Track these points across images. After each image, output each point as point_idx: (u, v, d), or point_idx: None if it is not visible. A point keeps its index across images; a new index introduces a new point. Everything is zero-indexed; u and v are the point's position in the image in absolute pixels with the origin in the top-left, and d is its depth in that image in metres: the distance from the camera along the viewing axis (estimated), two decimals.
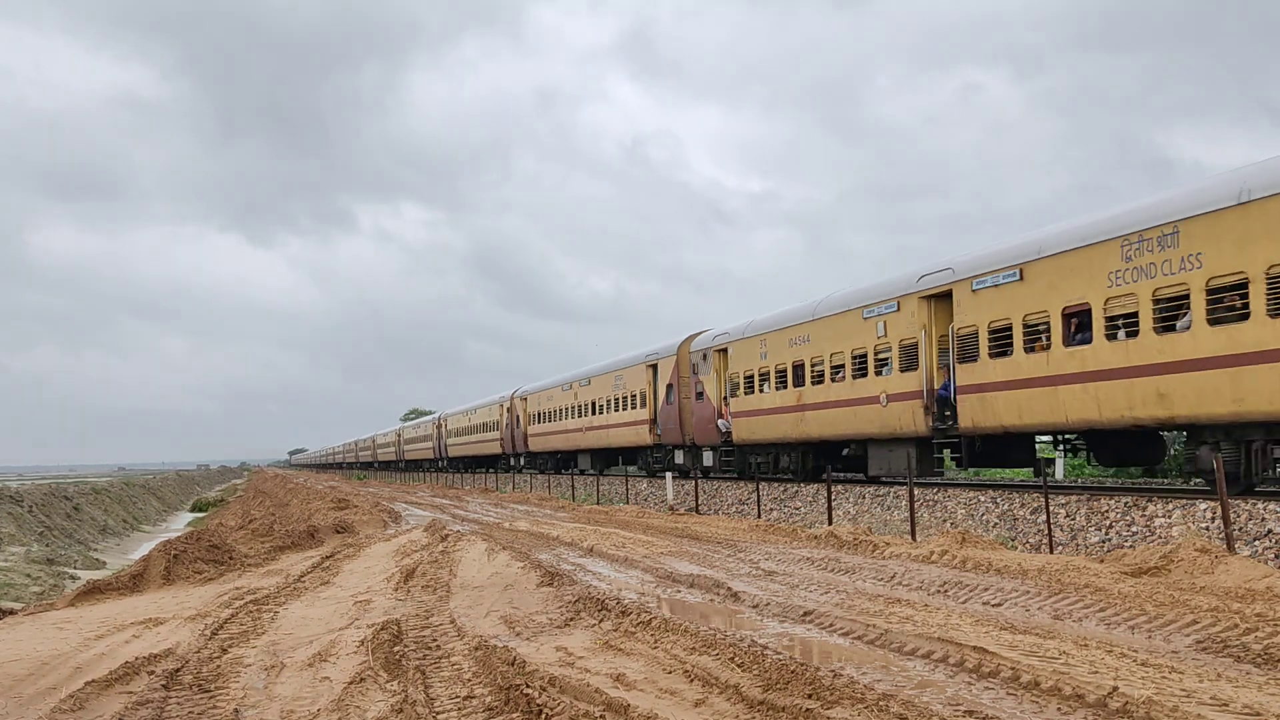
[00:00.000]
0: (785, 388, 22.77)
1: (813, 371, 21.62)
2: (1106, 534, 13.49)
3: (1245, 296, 11.93)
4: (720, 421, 26.65)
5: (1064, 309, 14.68)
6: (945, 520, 16.73)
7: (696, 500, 24.32)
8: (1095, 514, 13.95)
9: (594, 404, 37.08)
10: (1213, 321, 12.33)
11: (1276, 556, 11.10)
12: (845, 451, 22.31)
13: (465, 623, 9.22)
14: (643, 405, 32.24)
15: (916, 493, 17.22)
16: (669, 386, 30.19)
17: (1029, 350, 15.36)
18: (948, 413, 17.45)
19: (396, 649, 8.18)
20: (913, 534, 15.28)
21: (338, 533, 21.44)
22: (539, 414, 44.57)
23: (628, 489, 29.78)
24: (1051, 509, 14.36)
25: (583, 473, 38.95)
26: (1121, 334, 13.73)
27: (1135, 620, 8.10)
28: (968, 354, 16.77)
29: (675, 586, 11.15)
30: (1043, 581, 10.03)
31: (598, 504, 28.66)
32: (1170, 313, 13.00)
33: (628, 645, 7.89)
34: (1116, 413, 13.83)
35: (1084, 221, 14.72)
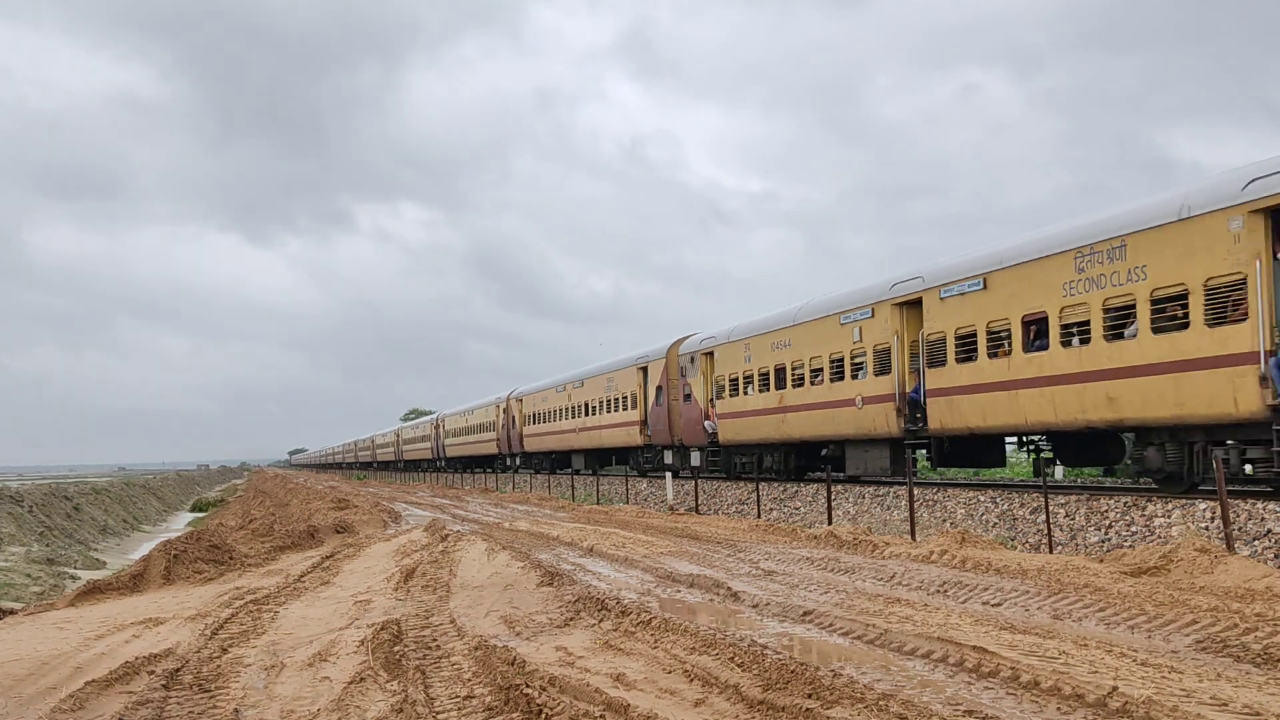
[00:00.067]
0: (768, 390, 23.27)
1: (794, 375, 22.18)
2: (1106, 534, 13.53)
3: (1186, 307, 12.56)
4: (707, 423, 26.91)
5: (1024, 317, 15.32)
6: (945, 520, 16.76)
7: (696, 500, 24.33)
8: (1095, 514, 13.98)
9: (587, 405, 37.35)
10: (1156, 330, 12.94)
11: (1276, 556, 11.11)
12: (824, 452, 22.81)
13: (465, 623, 9.22)
14: (633, 407, 32.46)
15: (916, 492, 17.27)
16: (659, 389, 30.50)
17: (992, 356, 16.01)
18: (919, 415, 18.02)
19: (396, 649, 8.18)
20: (912, 534, 15.30)
21: (338, 533, 21.44)
22: (534, 415, 44.76)
23: (627, 489, 29.79)
24: (1051, 509, 14.41)
25: (578, 473, 39.07)
26: (1075, 341, 14.32)
27: (1135, 620, 8.10)
28: (936, 359, 17.39)
29: (675, 586, 11.15)
30: (1042, 581, 10.03)
31: (598, 504, 28.66)
32: (1119, 322, 13.63)
33: (628, 645, 7.90)
34: (1071, 415, 14.47)
35: (1042, 234, 15.37)
